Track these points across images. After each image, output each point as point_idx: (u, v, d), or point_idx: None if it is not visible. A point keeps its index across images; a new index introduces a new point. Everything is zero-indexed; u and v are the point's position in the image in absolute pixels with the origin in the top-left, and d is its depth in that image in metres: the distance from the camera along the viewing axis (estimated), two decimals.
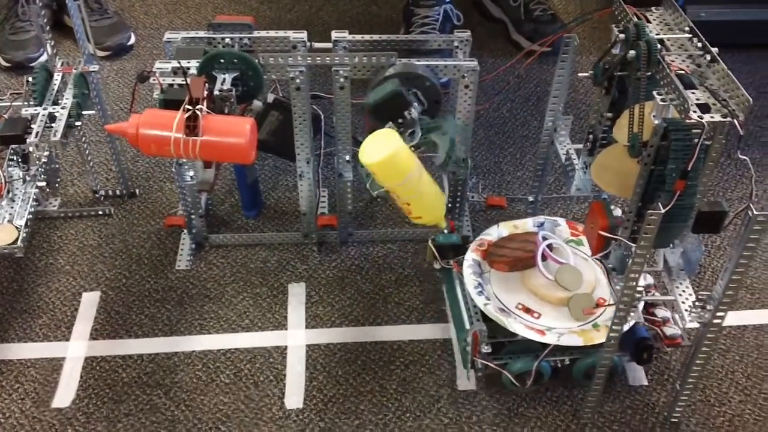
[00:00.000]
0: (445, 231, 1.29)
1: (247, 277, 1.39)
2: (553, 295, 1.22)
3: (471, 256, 1.27)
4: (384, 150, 1.12)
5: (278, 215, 1.51)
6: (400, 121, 1.17)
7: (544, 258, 1.23)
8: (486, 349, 1.16)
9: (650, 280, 1.22)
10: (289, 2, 2.13)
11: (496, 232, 1.32)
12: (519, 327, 1.16)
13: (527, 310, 1.21)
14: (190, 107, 1.02)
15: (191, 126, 1.01)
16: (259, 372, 1.24)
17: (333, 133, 1.29)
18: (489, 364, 1.17)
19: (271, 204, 1.53)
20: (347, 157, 1.31)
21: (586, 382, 1.19)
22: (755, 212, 0.89)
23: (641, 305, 1.07)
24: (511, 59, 1.40)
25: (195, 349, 1.27)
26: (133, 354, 1.26)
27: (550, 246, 1.24)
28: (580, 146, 1.24)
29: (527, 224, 1.33)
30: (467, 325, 1.21)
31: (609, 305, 1.16)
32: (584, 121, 1.20)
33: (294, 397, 1.21)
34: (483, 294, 1.21)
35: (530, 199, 1.49)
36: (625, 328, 1.15)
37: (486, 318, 1.19)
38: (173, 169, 1.29)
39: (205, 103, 1.04)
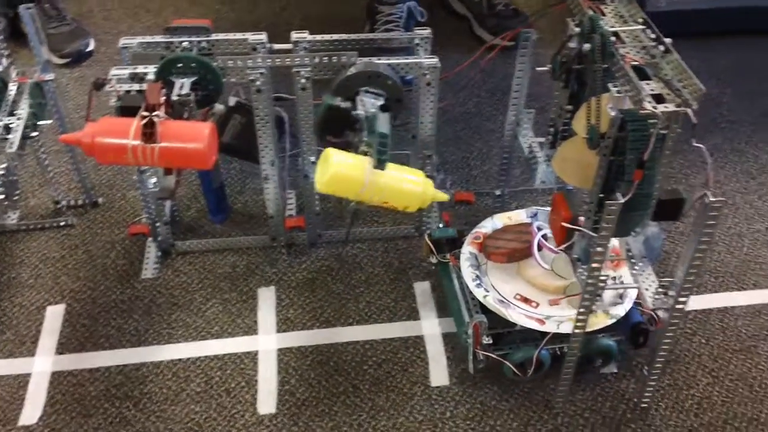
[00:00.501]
0: (440, 225, 1.31)
1: (216, 282, 1.38)
2: (551, 284, 1.23)
3: (468, 249, 1.29)
4: (326, 173, 1.12)
5: (246, 219, 1.50)
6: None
7: (539, 248, 1.24)
8: (487, 340, 1.17)
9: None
10: (251, 3, 2.12)
11: (490, 224, 1.34)
12: (519, 317, 1.18)
13: (525, 300, 1.22)
14: (146, 114, 1.01)
15: (148, 133, 1.00)
16: (230, 379, 1.23)
17: (298, 134, 1.29)
18: (491, 355, 1.18)
19: (239, 208, 1.52)
20: (312, 158, 1.30)
21: (584, 367, 1.21)
22: (711, 199, 0.90)
23: (634, 292, 1.07)
24: (475, 55, 1.41)
25: (164, 359, 1.26)
26: (100, 367, 1.25)
27: (545, 236, 1.25)
28: (543, 139, 1.25)
29: (521, 215, 1.35)
30: (467, 318, 1.21)
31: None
32: (549, 114, 1.20)
33: (267, 402, 1.20)
34: (482, 286, 1.23)
35: (497, 192, 1.50)
36: (621, 313, 1.18)
37: (485, 310, 1.20)
38: (135, 177, 1.28)
39: (162, 109, 1.03)
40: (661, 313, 1.08)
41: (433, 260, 1.32)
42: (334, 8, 2.10)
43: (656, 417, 1.19)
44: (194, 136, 1.03)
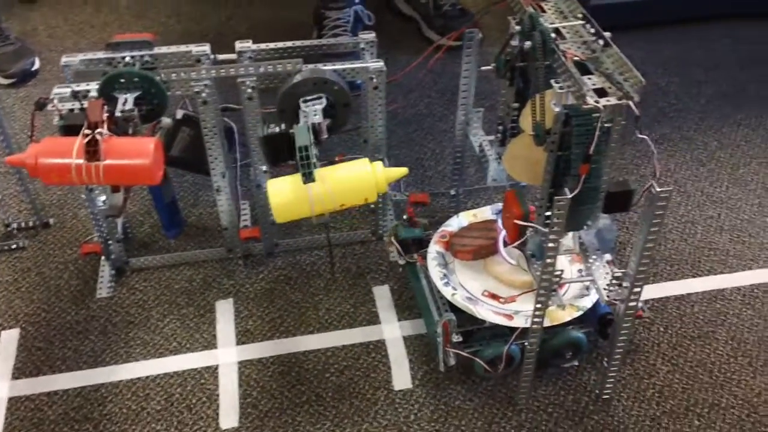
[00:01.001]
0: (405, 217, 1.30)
1: (173, 298, 1.36)
2: (517, 279, 1.24)
3: (434, 248, 1.29)
4: (271, 206, 1.12)
5: (201, 232, 1.48)
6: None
7: (505, 244, 1.24)
8: (457, 338, 1.17)
9: (608, 257, 1.23)
10: (198, 14, 2.10)
11: (456, 222, 1.34)
12: (487, 314, 1.18)
13: (493, 296, 1.23)
14: (89, 132, 0.99)
15: (91, 151, 0.98)
16: (191, 395, 1.22)
17: (248, 144, 1.28)
18: (461, 353, 1.18)
19: (193, 221, 1.50)
20: (264, 168, 1.29)
21: (555, 361, 1.22)
22: (657, 189, 0.91)
23: (602, 282, 1.08)
24: (421, 56, 1.41)
25: (123, 378, 1.24)
26: (58, 390, 1.22)
27: None
28: (493, 137, 1.26)
29: (486, 212, 1.36)
30: (436, 317, 1.21)
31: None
32: (498, 112, 1.21)
33: (229, 416, 1.19)
34: (449, 284, 1.23)
35: (452, 192, 1.50)
36: (588, 305, 1.19)
37: (454, 308, 1.20)
38: (83, 196, 1.26)
39: (105, 126, 1.01)
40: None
41: (401, 261, 1.32)
42: (281, 15, 2.09)
43: (618, 407, 1.20)
44: (139, 152, 1.02)
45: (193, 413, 1.19)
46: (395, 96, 1.80)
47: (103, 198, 1.27)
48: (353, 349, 1.29)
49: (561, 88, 0.95)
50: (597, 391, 1.21)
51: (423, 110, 1.78)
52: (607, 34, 1.00)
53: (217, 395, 1.22)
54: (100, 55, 1.21)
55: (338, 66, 1.21)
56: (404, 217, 1.35)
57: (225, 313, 1.34)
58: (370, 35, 1.29)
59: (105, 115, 1.03)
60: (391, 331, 1.31)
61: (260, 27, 2.05)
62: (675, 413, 1.19)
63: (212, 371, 1.25)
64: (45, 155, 1.00)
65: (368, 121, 1.29)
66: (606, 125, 0.94)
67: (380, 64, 1.22)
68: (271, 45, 1.25)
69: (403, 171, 1.18)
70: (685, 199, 1.56)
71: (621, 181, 1.01)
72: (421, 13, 2.01)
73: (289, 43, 1.26)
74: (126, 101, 1.11)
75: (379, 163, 1.16)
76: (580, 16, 1.05)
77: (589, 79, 0.95)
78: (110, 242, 1.35)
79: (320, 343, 1.29)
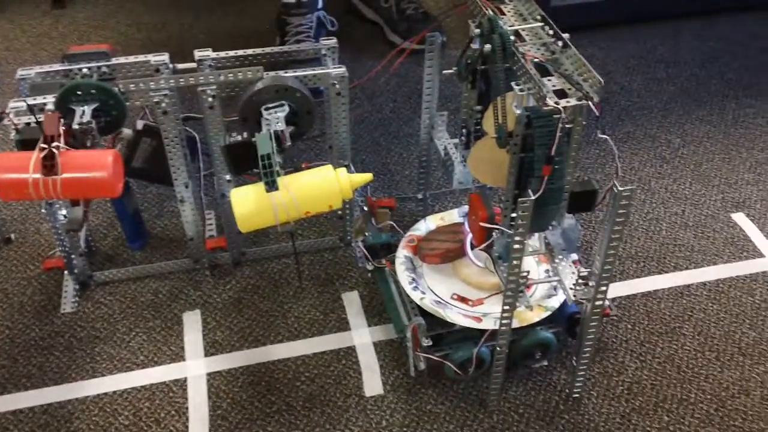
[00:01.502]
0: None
1: (139, 311, 1.34)
2: (486, 282, 1.24)
3: (402, 253, 1.29)
4: (235, 216, 1.11)
5: (166, 243, 1.46)
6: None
7: (472, 246, 1.24)
8: (427, 342, 1.17)
9: (575, 256, 1.23)
10: (158, 23, 2.08)
11: (424, 226, 1.34)
12: (456, 317, 1.18)
13: (462, 299, 1.23)
14: (45, 145, 0.97)
15: (49, 165, 0.97)
16: (159, 409, 1.20)
17: (210, 153, 1.27)
18: (431, 357, 1.17)
19: (157, 232, 1.49)
20: (227, 177, 1.28)
21: (525, 362, 1.22)
22: (619, 188, 0.91)
23: (569, 282, 1.08)
24: (384, 60, 1.40)
25: (89, 394, 1.22)
26: (23, 408, 1.20)
27: None
28: (458, 140, 1.26)
29: (453, 215, 1.36)
30: (406, 321, 1.21)
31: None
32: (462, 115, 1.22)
33: (198, 429, 1.17)
34: (418, 289, 1.23)
35: (419, 196, 1.50)
36: (556, 305, 1.19)
37: (423, 312, 1.20)
38: (44, 210, 1.24)
39: (62, 139, 1.00)
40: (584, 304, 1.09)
41: (369, 267, 1.31)
42: (243, 24, 2.08)
43: (589, 406, 1.20)
44: (97, 165, 1.00)
45: (162, 427, 1.18)
46: (361, 101, 1.80)
47: (64, 212, 1.25)
48: (323, 356, 1.28)
49: (521, 90, 0.95)
50: (567, 390, 1.22)
51: (389, 114, 1.78)
52: (565, 36, 1.00)
53: (186, 408, 1.20)
54: (57, 67, 1.19)
55: (300, 73, 1.20)
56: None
57: (192, 324, 1.32)
58: (332, 41, 1.28)
59: (62, 128, 1.02)
60: (361, 337, 1.30)
61: (222, 35, 2.03)
62: (644, 410, 1.20)
63: (180, 384, 1.23)
64: (1, 171, 0.98)
65: (332, 127, 1.28)
66: (567, 126, 0.95)
67: (342, 69, 1.21)
68: (231, 53, 1.24)
69: (367, 177, 1.18)
70: (649, 197, 1.57)
71: (585, 180, 1.02)
72: (384, 17, 2.01)
73: (249, 51, 1.25)
74: (83, 113, 1.09)
75: (343, 169, 1.15)
76: (539, 18, 1.05)
77: (549, 80, 0.95)
78: (73, 256, 1.33)
79: (290, 352, 1.28)
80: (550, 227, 1.11)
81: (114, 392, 1.22)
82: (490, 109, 1.07)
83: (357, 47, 1.93)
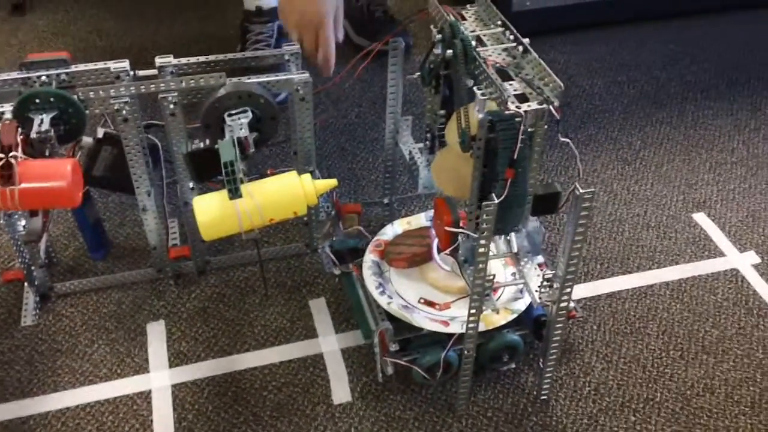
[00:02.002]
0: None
1: (101, 323, 1.32)
2: (453, 285, 1.24)
3: (369, 258, 1.29)
4: (198, 224, 1.10)
5: (128, 252, 1.44)
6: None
7: (439, 250, 1.24)
8: (394, 347, 1.16)
9: (540, 259, 1.24)
10: (120, 30, 2.05)
11: (391, 230, 1.34)
12: (424, 321, 1.18)
13: (430, 303, 1.23)
14: (2, 155, 0.95)
15: (6, 175, 0.95)
16: (123, 422, 1.18)
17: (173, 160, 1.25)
18: (398, 361, 1.17)
19: (120, 242, 1.47)
20: (191, 185, 1.27)
21: (493, 365, 1.22)
22: (581, 191, 0.92)
23: (534, 284, 1.09)
24: (357, 65, 1.39)
25: (51, 409, 1.20)
26: None
27: None
28: (422, 145, 1.26)
29: (420, 219, 1.36)
30: (373, 326, 1.21)
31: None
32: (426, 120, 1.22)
33: None
34: (385, 293, 1.23)
35: (385, 201, 1.50)
36: (522, 307, 1.20)
37: (391, 317, 1.20)
38: (2, 221, 1.21)
39: (20, 149, 0.98)
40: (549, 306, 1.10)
41: (336, 272, 1.31)
42: (206, 31, 2.07)
43: (556, 407, 1.21)
44: (56, 174, 0.98)
45: None
46: (326, 106, 1.79)
47: (23, 223, 1.23)
48: (291, 364, 1.27)
49: (483, 94, 0.96)
50: (535, 393, 1.22)
51: (354, 120, 1.77)
52: (525, 41, 1.01)
53: (151, 420, 1.18)
54: (15, 75, 1.17)
55: (263, 78, 1.19)
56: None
57: (156, 335, 1.30)
58: (294, 47, 1.28)
59: (20, 138, 1.00)
60: (329, 344, 1.30)
61: (184, 42, 2.02)
62: (611, 410, 1.21)
63: (145, 396, 1.22)
64: None
65: (297, 133, 1.28)
66: (529, 130, 0.95)
67: (305, 75, 1.21)
68: (193, 59, 1.23)
69: (332, 183, 1.18)
70: (612, 198, 1.59)
71: (548, 183, 1.03)
72: (350, 19, 2.00)
73: (212, 57, 1.24)
74: (42, 122, 1.07)
75: (308, 175, 1.14)
76: (499, 23, 1.06)
77: (511, 85, 0.96)
78: (33, 268, 1.31)
79: (257, 361, 1.27)
80: (515, 230, 1.11)
81: (77, 406, 1.20)
82: (452, 120, 1.08)
83: None
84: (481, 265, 1.02)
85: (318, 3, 1.32)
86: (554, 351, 1.14)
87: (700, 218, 1.54)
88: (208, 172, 1.14)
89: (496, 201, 0.94)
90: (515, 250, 1.14)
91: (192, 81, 1.16)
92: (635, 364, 1.27)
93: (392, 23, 1.97)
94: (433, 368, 1.18)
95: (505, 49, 1.03)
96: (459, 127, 1.00)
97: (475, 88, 0.96)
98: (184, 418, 1.19)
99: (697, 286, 1.40)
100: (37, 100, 1.09)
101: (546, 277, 1.05)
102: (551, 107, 0.92)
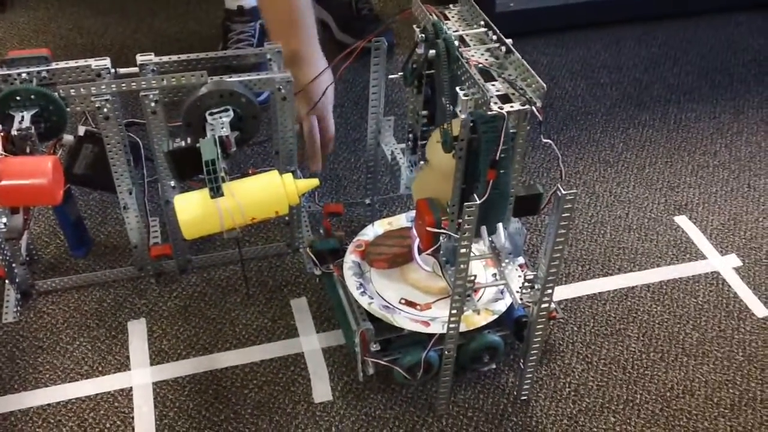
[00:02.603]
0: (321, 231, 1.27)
1: (82, 320, 1.31)
2: (434, 286, 1.24)
3: (350, 258, 1.28)
4: (179, 222, 1.10)
5: (110, 251, 1.44)
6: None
7: (420, 251, 1.24)
8: (375, 347, 1.16)
9: (521, 260, 1.24)
10: (101, 27, 2.04)
11: (371, 231, 1.34)
12: (404, 321, 1.18)
13: (410, 304, 1.23)
14: None
15: None
16: (104, 419, 1.18)
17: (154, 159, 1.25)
18: (379, 361, 1.17)
19: (101, 240, 1.46)
20: (172, 183, 1.26)
21: (474, 365, 1.22)
22: (563, 192, 0.93)
23: (515, 285, 1.09)
24: (340, 64, 1.39)
25: (32, 405, 1.19)
26: None
27: None
28: (404, 145, 1.26)
29: (401, 220, 1.36)
30: (354, 326, 1.21)
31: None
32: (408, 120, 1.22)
33: None
34: (366, 293, 1.23)
35: (367, 202, 1.50)
36: (503, 308, 1.20)
37: (372, 317, 1.20)
38: None
39: (0, 146, 0.97)
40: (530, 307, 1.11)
41: (317, 272, 1.31)
42: (188, 28, 2.06)
43: (536, 408, 1.21)
44: (36, 172, 0.98)
45: None
46: None
47: (4, 220, 1.22)
48: (272, 363, 1.27)
49: (466, 95, 0.96)
50: (515, 393, 1.23)
51: (336, 119, 1.75)
52: (508, 41, 1.01)
53: (132, 418, 1.18)
54: None
55: (245, 77, 1.19)
56: (320, 231, 1.34)
57: (137, 333, 1.30)
58: (276, 46, 1.27)
59: (0, 135, 0.99)
60: (310, 343, 1.30)
61: (166, 40, 2.01)
62: (591, 411, 1.21)
63: (126, 394, 1.21)
64: None
65: (278, 133, 1.27)
66: (511, 131, 0.96)
67: (287, 74, 1.21)
68: (174, 57, 1.23)
69: (313, 182, 1.18)
70: (594, 200, 1.60)
71: (530, 185, 1.03)
72: (335, 15, 1.99)
73: (193, 56, 1.24)
74: (23, 119, 1.07)
75: (289, 175, 1.14)
76: (482, 23, 1.06)
77: (493, 85, 0.96)
78: (14, 265, 1.30)
79: (238, 360, 1.27)
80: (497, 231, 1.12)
81: (58, 403, 1.19)
82: (433, 136, 1.08)
83: None
84: (462, 266, 1.02)
85: (329, 92, 1.35)
86: (535, 352, 1.14)
87: (682, 221, 1.55)
88: (190, 170, 1.14)
89: (478, 202, 0.94)
90: (496, 251, 1.14)
91: (173, 79, 1.15)
92: (615, 365, 1.28)
93: (377, 22, 1.96)
94: (413, 368, 1.18)
95: (488, 50, 1.03)
96: (441, 128, 1.00)
97: (457, 89, 0.96)
98: (166, 416, 1.18)
99: (678, 289, 1.41)
100: (18, 98, 1.09)
101: (527, 278, 1.06)
102: (534, 108, 0.92)
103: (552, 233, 0.98)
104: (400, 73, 1.13)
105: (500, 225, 1.05)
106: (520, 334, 1.21)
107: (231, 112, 1.13)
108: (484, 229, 1.05)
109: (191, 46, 1.97)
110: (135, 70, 1.20)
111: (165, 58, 1.21)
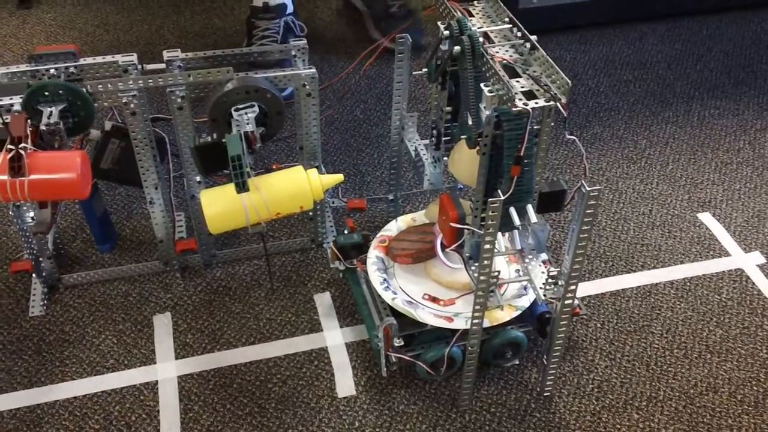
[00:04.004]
0: (345, 231, 1.28)
1: (108, 314, 1.33)
2: (457, 282, 1.24)
3: (374, 253, 1.29)
4: (205, 217, 1.11)
5: (135, 245, 1.45)
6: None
7: (443, 247, 1.24)
8: (398, 342, 1.17)
9: (544, 256, 1.24)
10: (127, 23, 2.06)
11: (395, 226, 1.34)
12: (428, 317, 1.18)
13: (433, 299, 1.23)
14: (12, 147, 0.96)
15: (15, 166, 0.95)
16: (130, 412, 1.19)
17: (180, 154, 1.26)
18: (403, 356, 1.17)
19: (127, 234, 1.47)
20: (198, 178, 1.28)
21: (497, 361, 1.23)
22: (587, 188, 0.93)
23: (539, 281, 1.10)
24: (364, 61, 1.39)
25: (59, 398, 1.21)
26: None
27: None
28: (428, 141, 1.27)
29: (424, 216, 1.36)
30: (377, 322, 1.21)
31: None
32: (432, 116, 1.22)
33: None
34: (389, 289, 1.23)
35: (390, 197, 1.50)
36: (526, 304, 1.20)
37: (395, 312, 1.20)
38: (11, 212, 1.22)
39: (29, 140, 0.99)
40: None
41: (341, 267, 1.31)
42: (212, 24, 2.07)
43: (559, 404, 1.21)
44: (65, 166, 0.99)
45: (133, 431, 1.17)
46: (331, 102, 1.80)
47: (32, 214, 1.24)
48: (296, 358, 1.28)
49: (491, 91, 0.96)
50: (538, 389, 1.23)
51: (359, 115, 1.78)
52: (533, 38, 1.01)
53: (158, 411, 1.19)
54: (24, 67, 1.18)
55: (270, 74, 1.20)
56: (345, 231, 1.35)
57: (163, 327, 1.31)
58: (302, 42, 1.28)
59: (29, 129, 1.01)
60: (334, 338, 1.30)
61: (191, 36, 2.02)
62: (614, 407, 1.21)
63: (151, 387, 1.23)
64: None
65: (303, 128, 1.28)
66: (535, 127, 0.96)
67: (312, 70, 1.21)
68: (200, 54, 1.24)
69: (338, 178, 1.18)
70: (617, 197, 1.59)
71: (553, 181, 1.03)
72: (372, 9, 1.99)
73: (219, 52, 1.25)
74: (51, 114, 1.08)
75: (314, 170, 1.15)
76: (507, 20, 1.06)
77: (518, 82, 0.96)
78: (41, 259, 1.32)
79: (262, 354, 1.28)
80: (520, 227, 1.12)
81: (84, 396, 1.21)
82: (454, 151, 1.08)
83: (328, 48, 1.93)
84: (486, 262, 1.02)
85: None
86: (558, 348, 1.14)
87: (706, 218, 1.54)
88: (215, 165, 1.15)
89: (502, 198, 0.95)
90: (519, 247, 1.14)
91: (200, 75, 1.16)
92: (639, 362, 1.28)
93: (406, 20, 1.96)
94: (436, 364, 1.19)
95: (512, 46, 1.03)
96: (465, 126, 1.00)
97: (482, 85, 0.97)
98: (191, 409, 1.20)
99: (701, 286, 1.41)
100: (47, 93, 1.10)
101: (551, 274, 1.06)
102: (558, 104, 0.92)
103: (576, 229, 0.98)
104: (424, 70, 1.14)
105: (529, 207, 1.03)
106: (544, 330, 1.21)
107: (256, 108, 1.14)
108: (513, 211, 1.03)
109: (215, 43, 1.99)
110: (161, 66, 1.21)
111: (191, 55, 1.23)
